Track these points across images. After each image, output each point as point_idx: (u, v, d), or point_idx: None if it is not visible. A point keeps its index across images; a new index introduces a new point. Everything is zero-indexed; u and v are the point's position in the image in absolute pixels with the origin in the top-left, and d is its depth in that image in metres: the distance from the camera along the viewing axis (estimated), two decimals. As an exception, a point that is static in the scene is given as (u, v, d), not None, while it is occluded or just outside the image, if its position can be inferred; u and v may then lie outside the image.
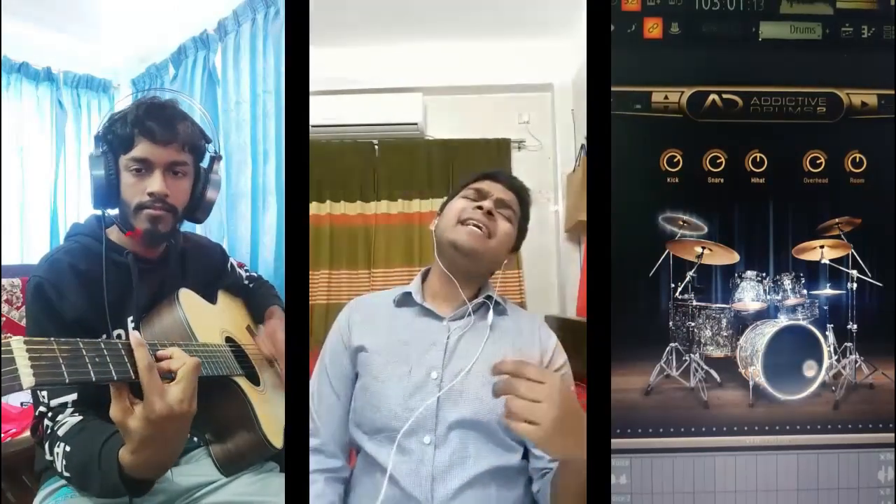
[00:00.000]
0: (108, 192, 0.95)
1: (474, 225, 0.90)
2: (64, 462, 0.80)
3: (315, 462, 0.88)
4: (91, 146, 0.97)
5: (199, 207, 1.05)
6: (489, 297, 0.95)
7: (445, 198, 1.03)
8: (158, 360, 0.71)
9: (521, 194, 1.00)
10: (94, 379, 0.61)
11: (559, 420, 0.61)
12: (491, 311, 0.92)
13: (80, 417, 0.84)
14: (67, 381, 0.58)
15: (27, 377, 0.53)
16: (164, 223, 0.97)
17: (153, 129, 0.94)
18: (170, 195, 0.96)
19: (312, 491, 0.85)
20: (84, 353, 0.60)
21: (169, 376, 0.70)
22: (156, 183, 0.95)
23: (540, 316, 1.04)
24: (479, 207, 0.92)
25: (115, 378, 0.64)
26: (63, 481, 0.91)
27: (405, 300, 0.96)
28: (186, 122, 1.00)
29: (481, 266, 0.94)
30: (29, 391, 0.62)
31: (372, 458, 0.85)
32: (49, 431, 0.84)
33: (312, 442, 0.90)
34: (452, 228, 0.92)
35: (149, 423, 0.66)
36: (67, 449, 0.80)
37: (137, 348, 0.67)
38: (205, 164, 1.06)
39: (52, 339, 0.59)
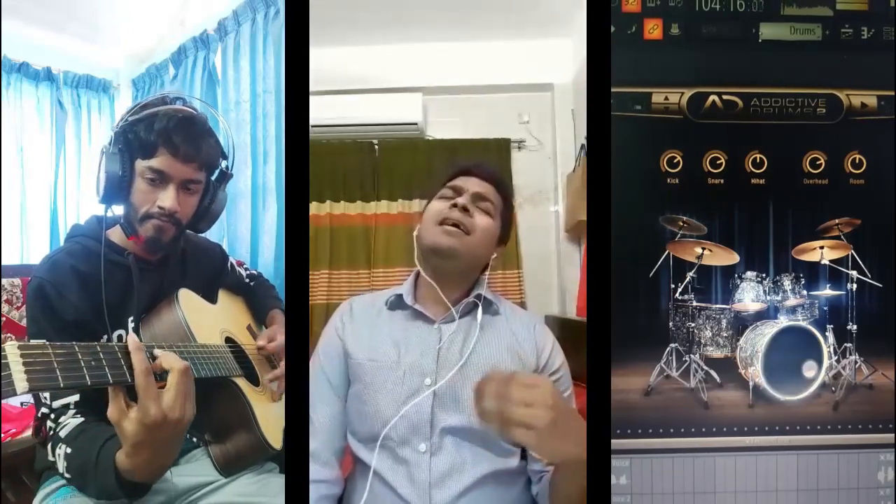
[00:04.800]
0: (119, 191, 0.94)
1: (451, 224, 0.88)
2: (65, 464, 0.81)
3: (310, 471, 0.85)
4: (108, 141, 0.95)
5: (203, 219, 1.05)
6: (479, 297, 0.91)
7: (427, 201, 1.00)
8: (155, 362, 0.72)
9: (499, 185, 0.98)
10: (89, 383, 0.61)
11: (554, 424, 0.61)
12: (479, 311, 0.89)
13: (82, 419, 0.84)
14: (62, 385, 0.58)
15: (21, 382, 0.53)
16: (167, 234, 0.98)
17: (178, 145, 0.93)
18: (179, 211, 0.96)
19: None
20: (80, 356, 0.60)
21: (166, 375, 0.71)
22: (168, 199, 0.94)
23: (539, 315, 1.02)
24: (454, 205, 0.90)
25: (111, 381, 0.65)
26: (63, 481, 0.91)
27: (397, 303, 0.94)
28: (211, 140, 1.00)
29: (465, 265, 0.91)
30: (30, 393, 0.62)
31: (368, 466, 0.83)
32: (52, 433, 0.84)
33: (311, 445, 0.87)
34: (431, 232, 0.90)
35: (143, 428, 0.67)
36: (69, 451, 0.81)
37: (135, 352, 0.67)
38: (215, 178, 1.06)
39: (47, 343, 0.59)
